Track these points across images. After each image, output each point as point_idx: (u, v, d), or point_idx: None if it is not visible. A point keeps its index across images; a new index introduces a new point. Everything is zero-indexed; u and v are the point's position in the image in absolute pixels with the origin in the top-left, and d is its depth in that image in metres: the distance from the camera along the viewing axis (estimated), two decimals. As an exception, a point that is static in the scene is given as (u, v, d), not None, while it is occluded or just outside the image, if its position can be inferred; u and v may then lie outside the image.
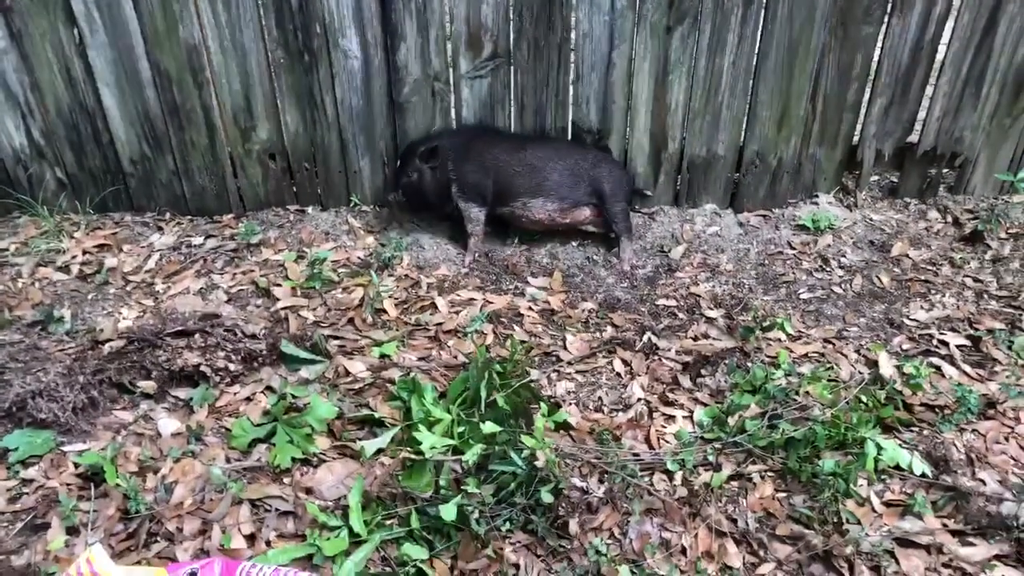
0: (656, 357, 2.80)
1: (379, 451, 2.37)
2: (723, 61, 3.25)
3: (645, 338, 2.86)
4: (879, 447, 2.30)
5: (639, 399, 2.62)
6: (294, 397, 2.53)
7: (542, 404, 2.46)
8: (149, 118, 3.28)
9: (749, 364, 2.71)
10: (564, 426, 2.47)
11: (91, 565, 1.91)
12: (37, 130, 3.30)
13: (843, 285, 3.19)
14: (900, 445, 2.38)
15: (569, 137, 3.42)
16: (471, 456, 2.20)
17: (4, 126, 3.27)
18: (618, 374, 2.73)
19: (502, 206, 3.30)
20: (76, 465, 2.32)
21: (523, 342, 2.83)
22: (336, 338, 2.84)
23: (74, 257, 3.25)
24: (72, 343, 2.79)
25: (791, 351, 2.81)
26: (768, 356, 2.78)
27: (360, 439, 2.42)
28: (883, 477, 2.31)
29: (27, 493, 2.26)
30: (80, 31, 3.08)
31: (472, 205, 3.29)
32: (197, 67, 3.17)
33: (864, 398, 2.53)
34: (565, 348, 2.84)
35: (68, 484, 2.28)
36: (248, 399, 2.57)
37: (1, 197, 3.43)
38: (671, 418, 2.55)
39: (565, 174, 3.23)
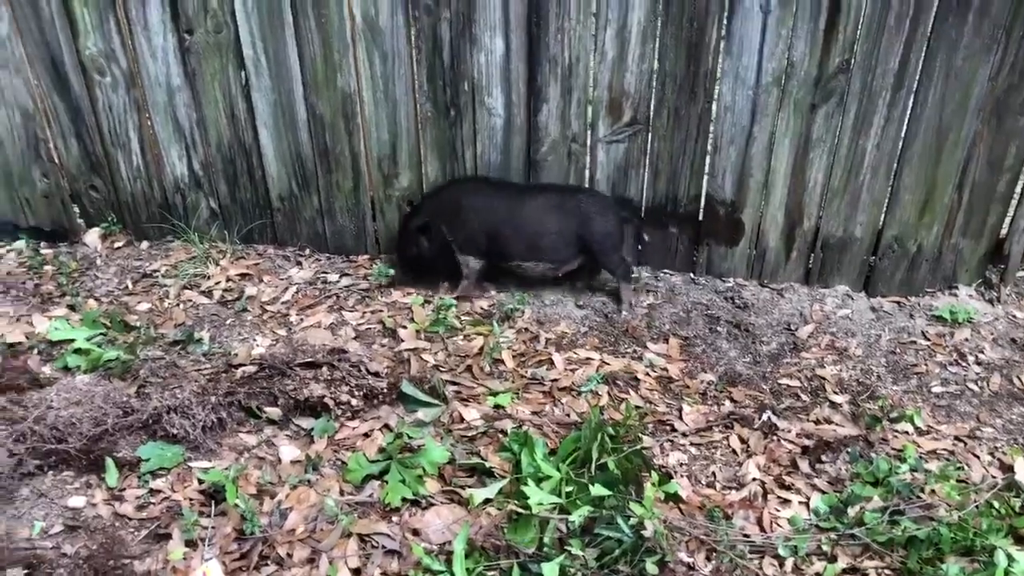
0: (775, 437, 2.73)
1: (487, 500, 2.39)
2: (867, 142, 3.19)
3: (765, 416, 2.79)
4: (1010, 559, 2.17)
5: (754, 479, 2.55)
6: (409, 438, 2.59)
7: (653, 473, 2.43)
8: (300, 159, 3.47)
9: (873, 455, 2.61)
10: (674, 498, 2.42)
11: (206, 580, 2.00)
12: (197, 162, 3.53)
13: (979, 382, 3.04)
14: (1034, 559, 2.24)
15: (702, 206, 3.42)
16: (578, 517, 2.20)
17: (169, 156, 3.52)
18: (734, 451, 2.68)
19: (501, 262, 3.38)
20: (200, 481, 2.43)
21: (638, 407, 2.81)
22: (454, 383, 2.89)
23: (218, 283, 3.44)
24: (208, 364, 2.94)
25: (919, 446, 2.69)
26: (893, 448, 2.68)
27: (469, 486, 2.45)
28: (1013, 591, 2.18)
29: (153, 503, 2.39)
30: (247, 74, 3.29)
31: (469, 257, 3.36)
32: (350, 114, 3.34)
33: (996, 504, 2.40)
34: (680, 418, 2.80)
35: (191, 499, 2.39)
36: (366, 435, 2.64)
37: (159, 221, 3.68)
38: (786, 502, 2.47)
39: (555, 237, 3.26)
